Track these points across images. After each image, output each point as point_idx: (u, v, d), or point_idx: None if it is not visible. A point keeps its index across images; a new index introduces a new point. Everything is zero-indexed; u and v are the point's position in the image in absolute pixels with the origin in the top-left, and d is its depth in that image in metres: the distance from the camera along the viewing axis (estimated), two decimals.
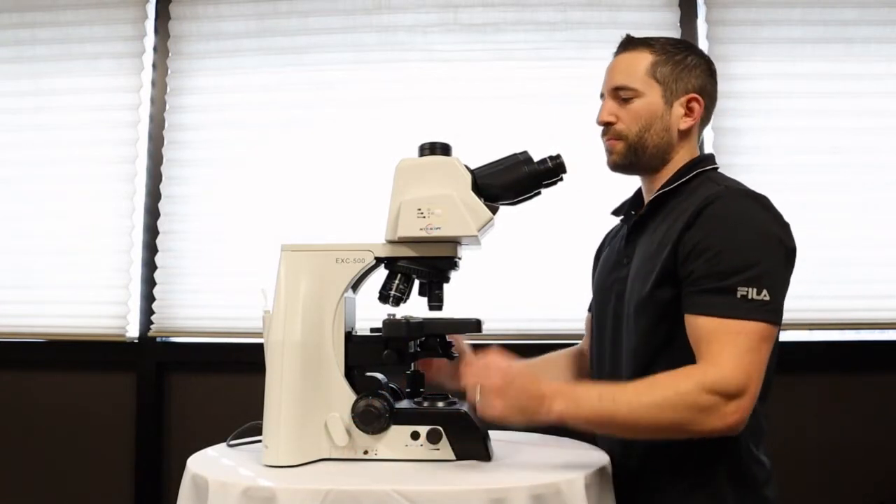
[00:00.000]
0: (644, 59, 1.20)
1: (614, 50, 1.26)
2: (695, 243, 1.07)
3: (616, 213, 1.35)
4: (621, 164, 1.23)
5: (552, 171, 1.20)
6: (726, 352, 1.01)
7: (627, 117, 1.20)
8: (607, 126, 1.23)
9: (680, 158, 1.22)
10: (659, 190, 1.21)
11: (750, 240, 1.05)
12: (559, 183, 1.24)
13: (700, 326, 1.05)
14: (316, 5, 1.98)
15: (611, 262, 1.28)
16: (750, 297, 1.02)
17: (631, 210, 1.28)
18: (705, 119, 1.25)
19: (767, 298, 1.02)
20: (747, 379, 1.00)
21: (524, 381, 1.08)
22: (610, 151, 1.24)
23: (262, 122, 1.96)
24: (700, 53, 1.24)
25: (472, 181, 1.19)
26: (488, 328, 1.29)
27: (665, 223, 1.15)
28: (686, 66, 1.20)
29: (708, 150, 1.83)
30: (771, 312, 1.02)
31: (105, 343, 1.95)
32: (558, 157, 1.20)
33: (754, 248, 1.05)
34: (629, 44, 1.24)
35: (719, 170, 1.23)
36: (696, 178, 1.18)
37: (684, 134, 1.21)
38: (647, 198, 1.26)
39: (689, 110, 1.20)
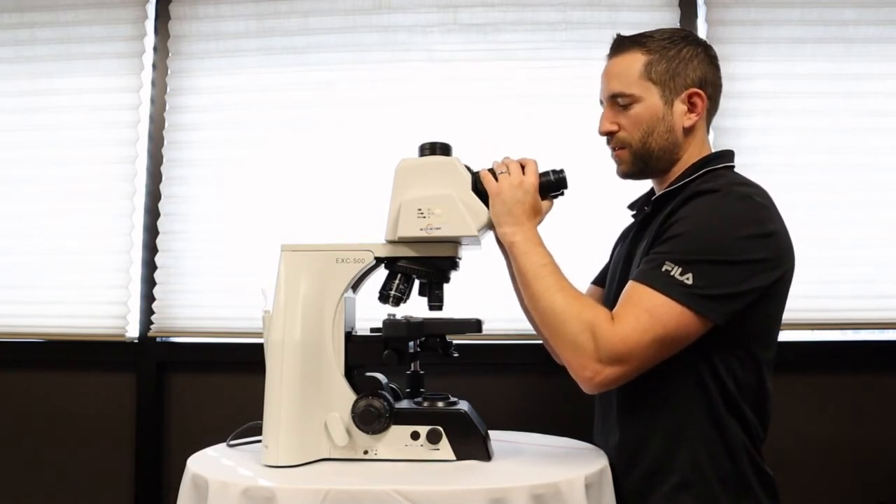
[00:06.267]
0: (637, 60, 1.17)
1: (607, 52, 1.24)
2: (667, 227, 1.08)
3: (631, 207, 1.34)
4: (630, 172, 1.22)
5: (554, 185, 1.20)
6: (629, 319, 1.02)
7: (628, 124, 1.18)
8: (610, 135, 1.22)
9: (689, 156, 1.19)
10: (663, 189, 1.20)
11: (709, 233, 1.04)
12: (559, 197, 1.24)
13: (624, 288, 1.08)
14: (316, 5, 1.98)
15: (620, 258, 1.28)
16: (672, 273, 1.02)
17: (644, 206, 1.27)
18: (712, 109, 1.22)
19: (689, 282, 1.01)
20: (628, 353, 1.02)
21: (534, 202, 1.17)
22: (618, 162, 1.23)
23: (263, 122, 1.96)
24: (696, 42, 1.20)
25: (473, 182, 1.19)
26: (488, 328, 1.30)
27: (659, 220, 1.14)
28: (682, 60, 1.16)
29: None
30: (686, 295, 1.01)
31: (105, 343, 1.94)
32: (561, 171, 1.21)
33: (707, 241, 1.03)
34: (620, 45, 1.21)
35: (735, 168, 1.20)
36: (703, 176, 1.16)
37: (689, 131, 1.18)
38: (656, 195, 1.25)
39: (691, 106, 1.17)
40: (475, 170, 1.22)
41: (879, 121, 1.85)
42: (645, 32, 1.21)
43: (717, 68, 1.21)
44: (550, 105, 1.89)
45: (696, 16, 1.91)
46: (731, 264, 1.02)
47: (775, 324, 1.14)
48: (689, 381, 1.09)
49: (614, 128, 1.20)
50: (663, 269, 1.03)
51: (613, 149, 1.23)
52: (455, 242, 1.21)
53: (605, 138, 1.25)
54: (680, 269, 1.02)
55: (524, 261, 1.13)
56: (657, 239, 1.09)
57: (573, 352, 1.05)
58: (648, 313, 1.01)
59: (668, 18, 1.89)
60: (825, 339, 1.85)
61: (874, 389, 1.81)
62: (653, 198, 1.23)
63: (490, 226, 1.20)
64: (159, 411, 1.94)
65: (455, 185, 1.18)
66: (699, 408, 1.09)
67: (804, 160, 1.84)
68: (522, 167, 1.19)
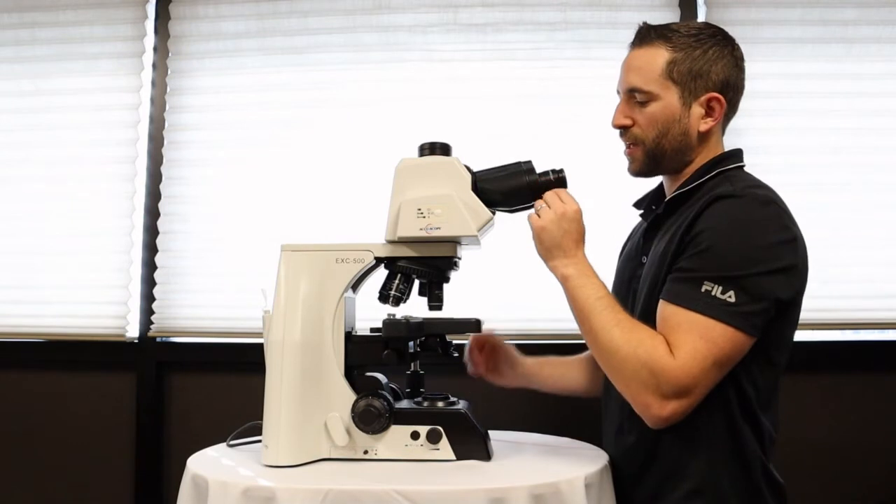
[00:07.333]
0: (660, 57, 1.14)
1: (631, 41, 1.21)
2: (692, 237, 1.06)
3: (637, 205, 1.32)
4: (642, 171, 1.21)
5: (553, 184, 1.19)
6: (686, 349, 1.00)
7: (643, 121, 1.16)
8: (623, 129, 1.20)
9: (701, 159, 1.18)
10: (676, 191, 1.18)
11: (742, 245, 1.02)
12: None
13: (662, 311, 1.05)
14: (316, 5, 1.98)
15: (630, 258, 1.26)
16: (713, 293, 1.01)
17: (651, 205, 1.25)
18: (730, 112, 1.20)
19: (732, 300, 1.00)
20: (692, 385, 1.00)
21: (579, 228, 1.14)
22: (630, 160, 1.21)
23: (262, 122, 1.96)
24: (724, 41, 1.16)
25: (473, 182, 1.19)
26: (488, 328, 1.30)
27: (676, 224, 1.12)
28: (707, 61, 1.13)
29: None
30: (734, 316, 1.00)
31: (105, 343, 1.94)
32: (561, 171, 1.20)
33: (742, 253, 1.02)
34: (645, 37, 1.17)
35: (746, 168, 1.19)
36: (715, 177, 1.14)
37: (704, 135, 1.17)
38: (667, 196, 1.23)
39: (709, 110, 1.15)
40: (475, 171, 1.22)
41: (879, 121, 1.84)
42: (671, 25, 1.18)
43: (741, 70, 1.18)
44: (550, 105, 1.88)
45: (696, 16, 1.91)
46: (768, 274, 1.02)
47: (793, 328, 1.13)
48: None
49: (628, 122, 1.18)
50: (703, 289, 1.01)
51: (627, 145, 1.21)
52: (455, 242, 1.21)
53: (616, 132, 1.23)
54: (721, 288, 1.00)
55: (578, 294, 1.11)
56: (679, 249, 1.08)
57: (635, 390, 1.03)
58: (703, 340, 1.00)
59: (668, 18, 1.89)
60: (826, 339, 1.84)
61: (874, 389, 1.81)
62: (665, 199, 1.21)
63: (489, 225, 1.20)
64: (159, 411, 1.94)
65: (455, 185, 1.18)
66: (717, 415, 1.07)
67: (804, 160, 1.84)
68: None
